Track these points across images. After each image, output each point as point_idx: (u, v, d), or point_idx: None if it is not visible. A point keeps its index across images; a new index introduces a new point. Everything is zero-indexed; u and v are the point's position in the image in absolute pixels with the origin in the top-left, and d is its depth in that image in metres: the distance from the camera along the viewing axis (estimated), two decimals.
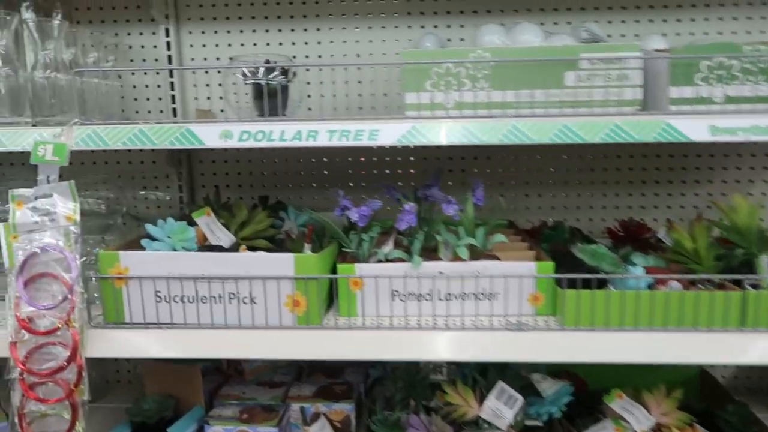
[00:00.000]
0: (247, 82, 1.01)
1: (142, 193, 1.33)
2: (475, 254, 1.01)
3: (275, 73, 1.01)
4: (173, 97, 1.37)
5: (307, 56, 1.35)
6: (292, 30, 1.35)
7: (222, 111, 1.36)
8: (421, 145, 0.91)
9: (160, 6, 1.30)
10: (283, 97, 1.03)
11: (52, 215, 0.92)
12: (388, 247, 1.02)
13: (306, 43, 1.35)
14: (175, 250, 0.97)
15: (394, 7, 1.33)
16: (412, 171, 1.40)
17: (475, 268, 0.99)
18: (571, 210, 1.41)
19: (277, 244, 1.12)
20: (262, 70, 1.01)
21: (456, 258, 1.02)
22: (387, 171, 1.40)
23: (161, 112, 1.39)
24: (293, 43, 1.35)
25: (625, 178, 1.39)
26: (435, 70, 0.96)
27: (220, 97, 1.35)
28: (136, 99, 1.39)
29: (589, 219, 1.41)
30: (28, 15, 1.19)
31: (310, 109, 1.37)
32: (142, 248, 0.98)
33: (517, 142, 0.91)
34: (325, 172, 1.41)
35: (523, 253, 1.07)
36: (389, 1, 1.33)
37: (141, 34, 1.36)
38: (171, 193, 1.40)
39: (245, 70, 1.00)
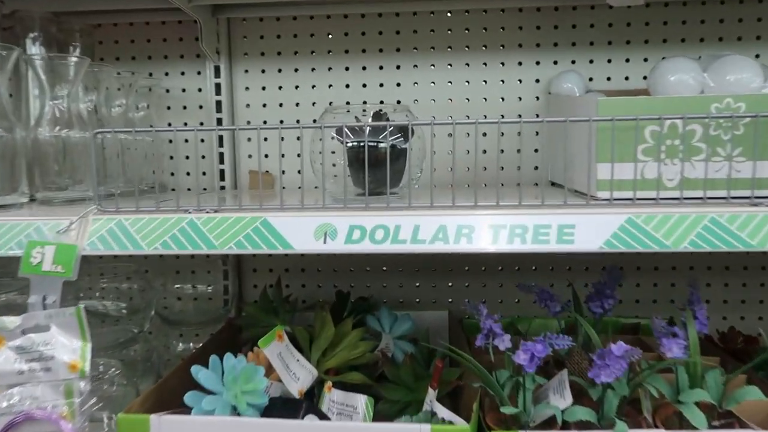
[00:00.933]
0: (349, 143, 0.67)
1: (178, 287, 0.98)
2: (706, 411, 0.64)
3: (390, 129, 0.67)
4: (221, 154, 1.04)
5: (398, 101, 1.02)
6: (381, 68, 1.02)
7: (284, 173, 1.03)
8: (648, 252, 0.56)
9: (211, 38, 0.98)
10: (398, 166, 0.69)
11: (46, 361, 0.58)
12: (563, 401, 0.65)
13: (398, 85, 1.02)
14: (236, 410, 0.62)
15: (516, 37, 1.00)
16: None
17: None
18: (753, 305, 1.03)
19: (371, 375, 0.77)
20: (367, 128, 0.67)
21: (664, 415, 0.65)
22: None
23: (204, 174, 1.06)
24: (381, 85, 1.02)
25: None
26: (650, 129, 0.61)
27: (282, 155, 1.02)
28: (171, 157, 1.06)
29: (759, 317, 1.03)
30: (35, 50, 0.89)
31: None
32: (186, 408, 0.62)
33: None
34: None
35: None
36: (511, 30, 1.00)
37: (182, 73, 1.04)
38: (212, 281, 1.05)
39: (346, 128, 0.66)
